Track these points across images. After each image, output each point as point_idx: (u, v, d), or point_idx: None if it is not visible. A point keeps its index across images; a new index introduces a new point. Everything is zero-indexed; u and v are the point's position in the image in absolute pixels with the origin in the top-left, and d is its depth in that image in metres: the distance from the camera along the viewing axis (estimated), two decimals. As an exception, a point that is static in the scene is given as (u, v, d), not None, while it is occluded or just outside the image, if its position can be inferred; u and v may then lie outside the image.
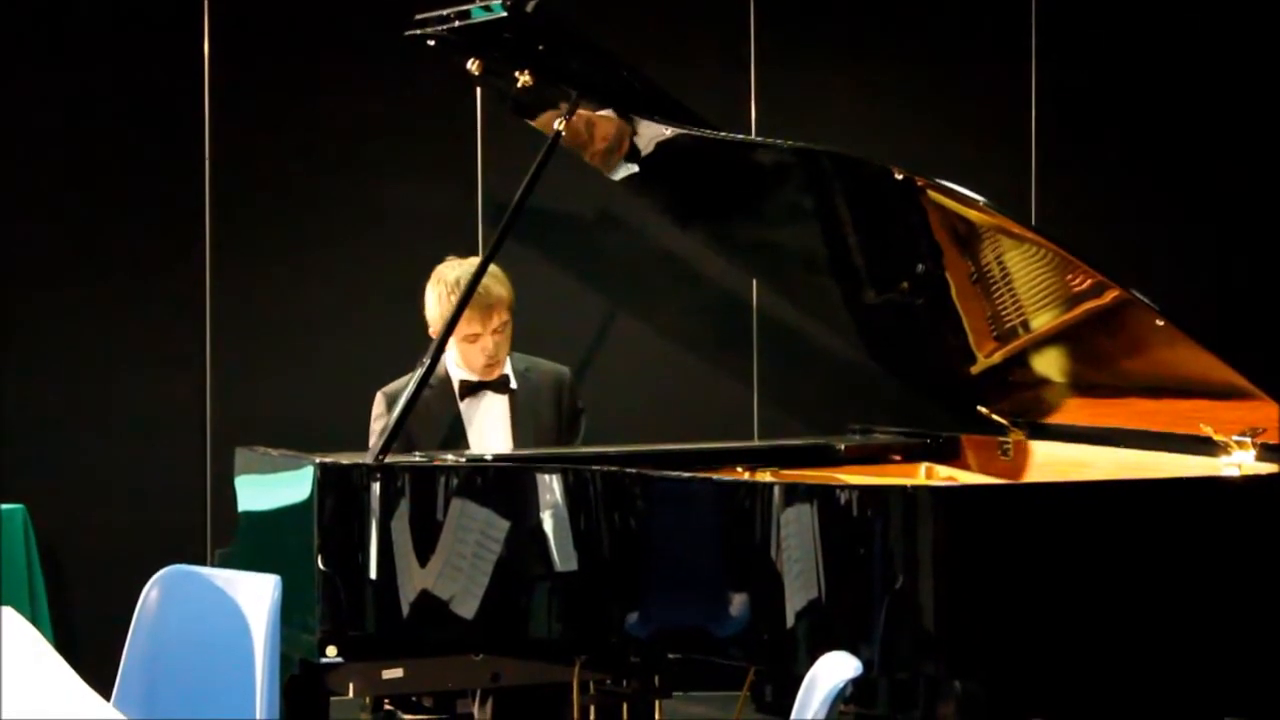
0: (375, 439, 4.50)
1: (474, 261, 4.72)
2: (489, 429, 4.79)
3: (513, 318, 4.76)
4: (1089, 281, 4.19)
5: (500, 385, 4.80)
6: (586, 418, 4.97)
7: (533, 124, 4.79)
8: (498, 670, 4.31)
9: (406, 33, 4.66)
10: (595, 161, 4.95)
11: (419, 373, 4.34)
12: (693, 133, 4.51)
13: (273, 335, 5.95)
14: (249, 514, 4.51)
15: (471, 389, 4.78)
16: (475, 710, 4.67)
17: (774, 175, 4.63)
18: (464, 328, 4.68)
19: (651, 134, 4.61)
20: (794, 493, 3.87)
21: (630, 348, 6.03)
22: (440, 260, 4.84)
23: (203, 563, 5.14)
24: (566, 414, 4.91)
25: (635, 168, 4.84)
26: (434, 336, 4.72)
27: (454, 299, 4.63)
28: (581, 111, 4.64)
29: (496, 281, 4.72)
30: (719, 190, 4.82)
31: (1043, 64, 6.15)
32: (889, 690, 3.93)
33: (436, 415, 4.75)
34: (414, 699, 4.54)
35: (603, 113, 4.65)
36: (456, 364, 4.79)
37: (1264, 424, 4.22)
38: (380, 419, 4.72)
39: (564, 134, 4.57)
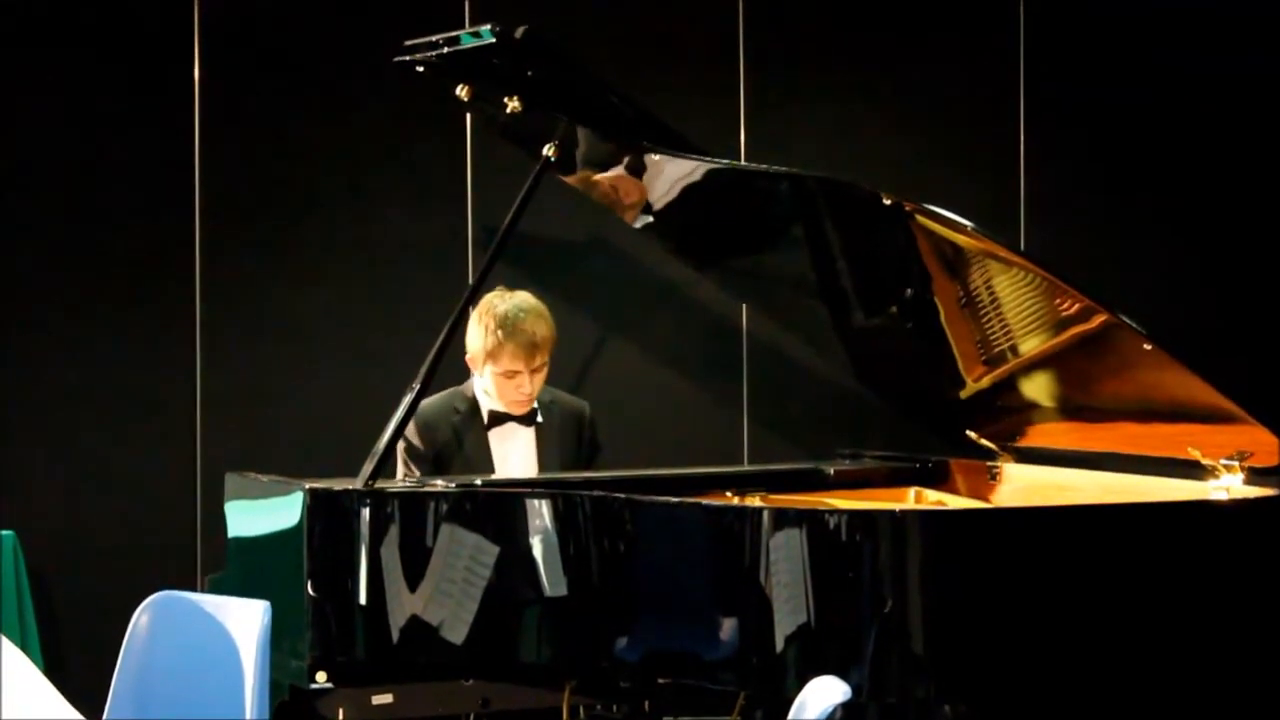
0: (400, 460, 4.66)
1: (523, 295, 4.76)
2: (515, 461, 4.81)
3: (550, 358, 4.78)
4: (1077, 306, 4.20)
5: (527, 418, 4.81)
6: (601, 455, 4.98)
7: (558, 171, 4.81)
8: (488, 695, 4.31)
9: (396, 59, 4.67)
10: (621, 212, 4.97)
11: (408, 398, 4.34)
12: (701, 163, 4.52)
13: (264, 361, 5.94)
14: (239, 539, 4.51)
15: (499, 419, 4.80)
16: (466, 735, 4.66)
17: (763, 200, 4.64)
18: (505, 364, 4.70)
19: (667, 173, 4.62)
20: (783, 517, 3.87)
21: (619, 372, 6.03)
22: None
23: (193, 588, 5.13)
24: (586, 449, 4.92)
25: (650, 219, 4.87)
26: (472, 367, 4.74)
27: (500, 334, 4.66)
28: (612, 172, 4.66)
29: (542, 321, 4.73)
30: (710, 218, 4.83)
31: (1031, 86, 6.16)
32: (878, 714, 3.93)
33: (466, 442, 4.77)
34: (404, 724, 4.54)
35: (622, 167, 4.68)
36: (486, 393, 4.80)
37: (1252, 448, 4.22)
38: (410, 437, 4.73)
39: (576, 180, 4.58)
